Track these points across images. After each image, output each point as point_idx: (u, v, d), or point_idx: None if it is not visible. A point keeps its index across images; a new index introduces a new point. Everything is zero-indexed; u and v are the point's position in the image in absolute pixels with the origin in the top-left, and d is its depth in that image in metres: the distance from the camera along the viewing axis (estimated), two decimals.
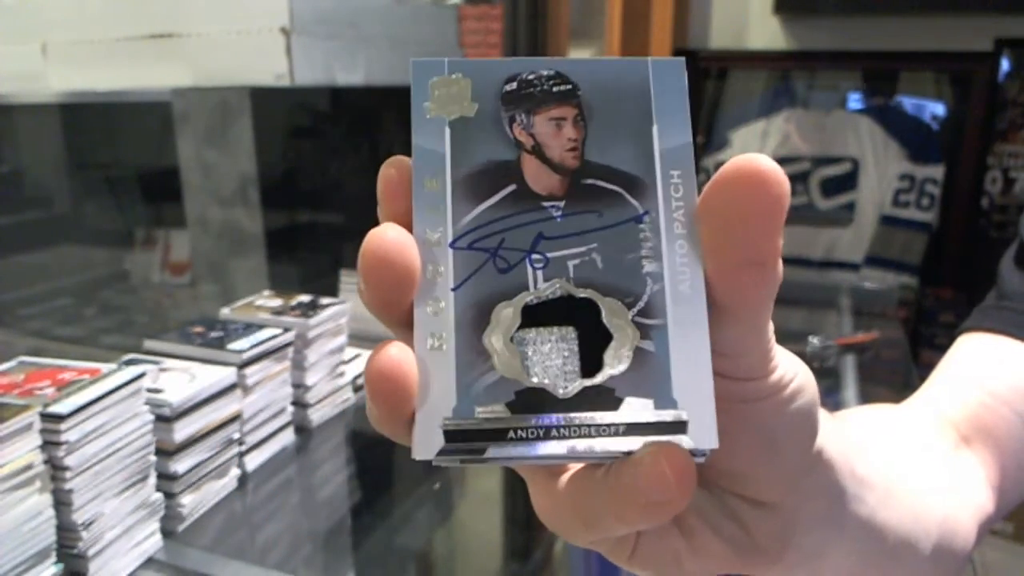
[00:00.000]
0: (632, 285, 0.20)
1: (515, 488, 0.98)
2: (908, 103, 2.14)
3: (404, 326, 0.20)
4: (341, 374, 1.08)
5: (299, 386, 1.00)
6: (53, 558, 0.66)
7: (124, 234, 1.75)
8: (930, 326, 2.08)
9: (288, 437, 0.98)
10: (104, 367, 0.74)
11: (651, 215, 0.20)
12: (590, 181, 0.21)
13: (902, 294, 1.97)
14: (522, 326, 0.20)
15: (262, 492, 0.90)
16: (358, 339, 1.17)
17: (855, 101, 2.20)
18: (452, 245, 0.20)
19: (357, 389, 1.12)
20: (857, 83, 2.19)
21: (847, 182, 2.12)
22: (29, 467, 0.63)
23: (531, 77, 0.21)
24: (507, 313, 0.20)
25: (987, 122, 2.04)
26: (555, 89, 0.21)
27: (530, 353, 0.19)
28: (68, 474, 0.66)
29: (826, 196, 2.15)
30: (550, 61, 0.22)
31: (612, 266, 0.20)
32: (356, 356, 1.16)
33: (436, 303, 0.19)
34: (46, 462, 0.65)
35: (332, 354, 1.05)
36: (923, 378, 0.43)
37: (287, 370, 0.97)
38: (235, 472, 0.88)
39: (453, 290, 0.20)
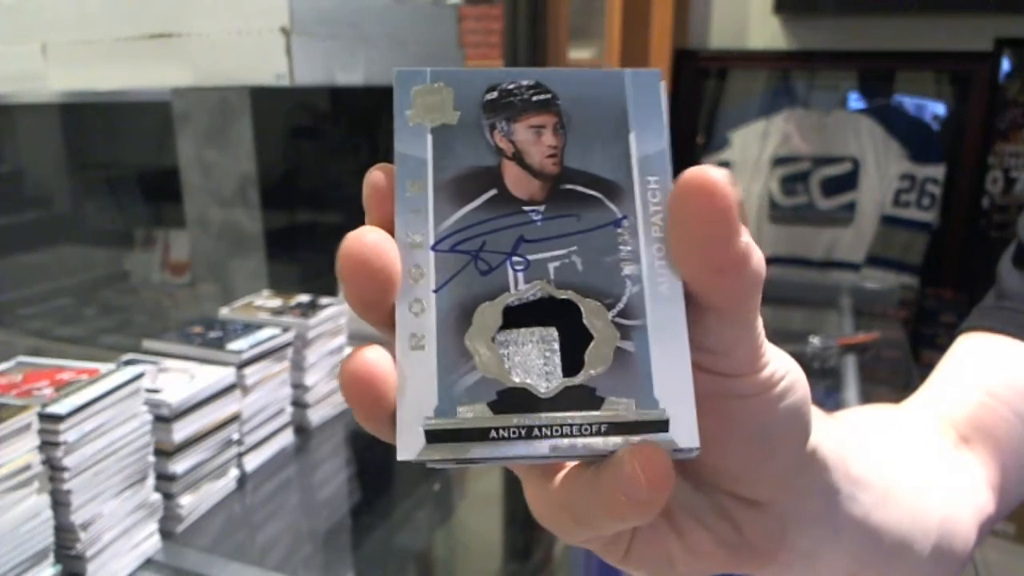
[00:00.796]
0: (611, 287, 0.20)
1: (515, 488, 0.98)
2: (908, 103, 2.14)
3: (388, 327, 0.20)
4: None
5: (298, 386, 1.00)
6: (51, 559, 0.66)
7: (124, 234, 1.75)
8: (931, 326, 2.08)
9: (287, 437, 0.98)
10: (103, 367, 0.74)
11: (629, 219, 0.21)
12: (569, 186, 0.21)
13: (903, 294, 1.96)
14: (503, 327, 0.20)
15: (261, 493, 0.90)
16: (358, 339, 1.16)
17: (855, 101, 2.19)
18: (434, 248, 0.20)
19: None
20: (857, 83, 2.19)
21: (847, 182, 2.12)
22: (27, 468, 0.63)
23: (511, 87, 0.22)
24: (489, 314, 0.20)
25: (987, 122, 2.04)
26: (535, 98, 0.22)
27: (512, 353, 0.20)
28: (66, 475, 0.66)
29: (826, 196, 2.14)
30: (530, 72, 0.22)
31: (592, 268, 0.20)
32: None
33: (418, 304, 0.20)
34: (44, 462, 0.65)
35: (331, 354, 1.05)
36: (924, 378, 0.42)
37: (286, 370, 0.97)
38: (234, 473, 0.88)
39: (435, 291, 0.20)
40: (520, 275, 0.20)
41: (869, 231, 2.10)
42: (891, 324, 1.58)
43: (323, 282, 1.32)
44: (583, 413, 0.19)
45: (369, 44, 1.32)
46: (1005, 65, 2.01)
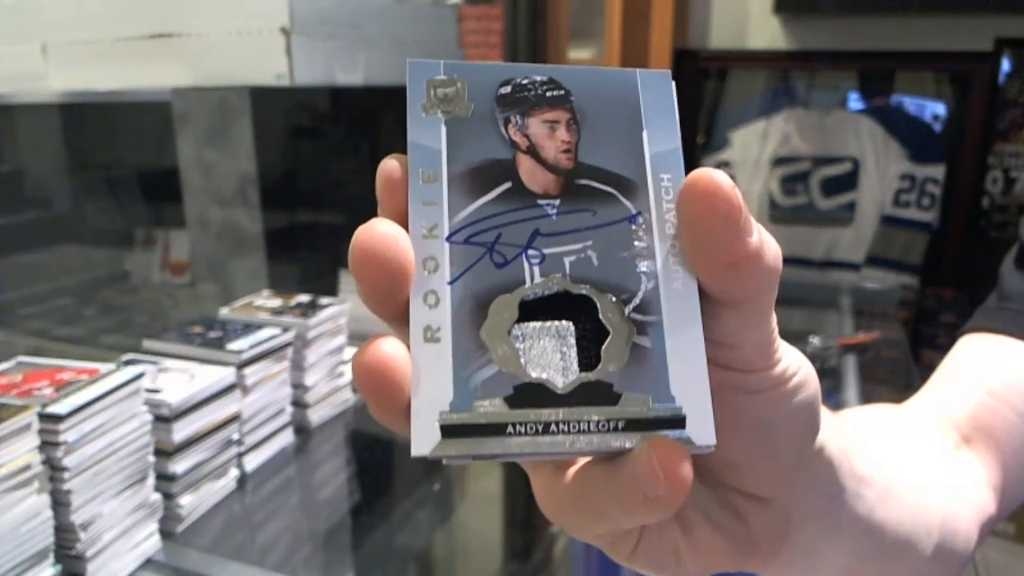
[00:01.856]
0: (627, 282, 0.20)
1: (515, 488, 0.98)
2: (908, 103, 2.14)
3: (401, 321, 0.20)
4: (340, 374, 1.08)
5: (298, 386, 1.00)
6: (51, 559, 0.66)
7: (124, 234, 1.75)
8: (931, 326, 2.08)
9: (287, 437, 0.98)
10: (103, 367, 0.74)
11: (644, 216, 0.21)
12: (584, 181, 0.21)
13: (903, 294, 1.96)
14: (519, 321, 0.20)
15: (261, 493, 0.90)
16: (358, 339, 1.16)
17: (855, 101, 2.19)
18: (448, 239, 0.20)
19: (356, 389, 1.11)
20: (857, 83, 2.19)
21: (848, 182, 2.12)
22: (27, 468, 0.63)
23: (525, 82, 0.22)
24: (505, 307, 0.20)
25: (987, 122, 2.04)
26: (548, 94, 0.22)
27: (528, 348, 0.19)
28: (67, 475, 0.66)
29: (827, 196, 2.14)
30: (543, 68, 0.22)
31: (607, 263, 0.20)
32: None
33: (432, 296, 0.19)
34: (44, 462, 0.65)
35: (331, 354, 1.05)
36: (924, 378, 0.42)
37: (286, 370, 0.97)
38: (234, 473, 0.88)
39: (449, 283, 0.20)
40: (536, 268, 0.20)
41: (869, 231, 2.10)
42: (891, 324, 1.58)
43: (323, 282, 1.32)
44: (600, 409, 0.19)
45: (369, 44, 1.32)
46: (1005, 65, 2.01)
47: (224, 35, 1.17)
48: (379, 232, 0.19)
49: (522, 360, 0.19)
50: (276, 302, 1.06)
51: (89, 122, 1.74)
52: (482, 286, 0.20)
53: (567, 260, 0.20)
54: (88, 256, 1.78)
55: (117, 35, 1.24)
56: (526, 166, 0.21)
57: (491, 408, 0.19)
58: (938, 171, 2.04)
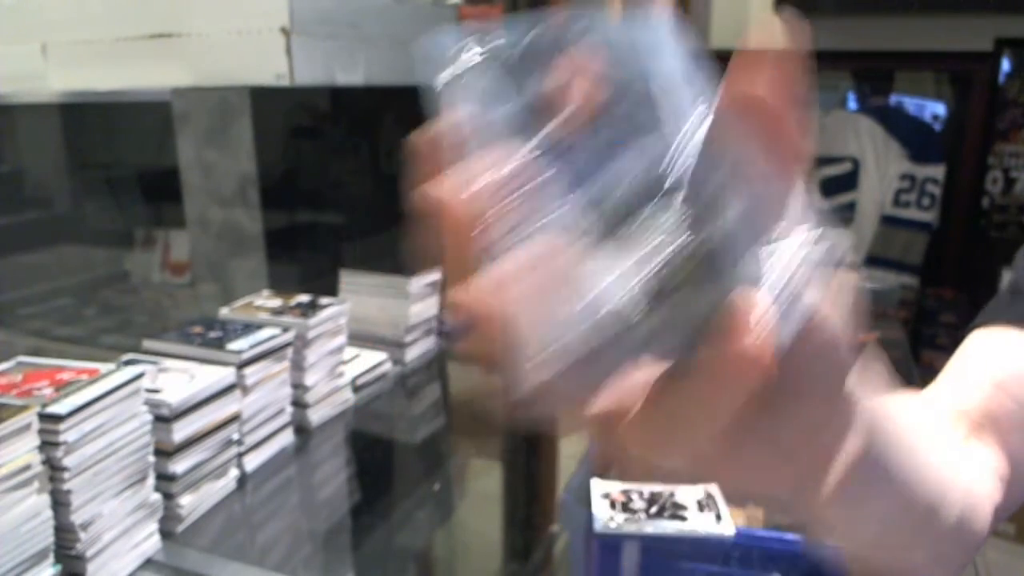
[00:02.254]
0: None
1: (515, 488, 0.98)
2: (908, 103, 2.14)
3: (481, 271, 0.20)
4: (340, 374, 1.08)
5: (298, 386, 1.00)
6: (51, 559, 0.66)
7: (124, 234, 1.75)
8: (931, 326, 2.08)
9: (287, 437, 0.98)
10: (103, 367, 0.74)
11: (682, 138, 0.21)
12: (614, 125, 0.21)
13: (903, 294, 1.97)
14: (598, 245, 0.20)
15: (261, 493, 0.90)
16: (357, 339, 1.17)
17: (855, 101, 2.20)
18: (500, 193, 0.21)
19: (356, 389, 1.11)
20: (857, 83, 2.19)
21: (847, 182, 2.12)
22: (27, 468, 0.63)
23: (545, 37, 0.22)
24: (589, 234, 0.20)
25: (987, 122, 2.04)
26: (568, 46, 0.22)
27: (609, 267, 0.20)
28: (67, 475, 0.66)
29: (826, 196, 2.14)
30: (566, 17, 0.23)
31: (654, 184, 0.21)
32: (355, 356, 1.15)
33: (516, 238, 0.20)
34: (44, 462, 0.65)
35: (331, 354, 1.05)
36: (924, 378, 0.42)
37: (286, 370, 0.97)
38: (234, 473, 0.88)
39: (528, 226, 0.20)
40: (590, 206, 0.20)
41: (869, 231, 2.10)
42: (891, 324, 1.58)
43: (323, 282, 1.32)
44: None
45: (369, 44, 1.32)
46: (1005, 65, 2.01)
47: (224, 35, 1.17)
48: (452, 186, 0.20)
49: (618, 284, 0.20)
50: (276, 302, 1.06)
51: (89, 122, 1.74)
52: (560, 223, 0.20)
53: (617, 192, 0.21)
54: (88, 256, 1.78)
55: (117, 35, 1.24)
56: (555, 116, 0.21)
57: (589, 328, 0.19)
58: (938, 171, 2.05)
